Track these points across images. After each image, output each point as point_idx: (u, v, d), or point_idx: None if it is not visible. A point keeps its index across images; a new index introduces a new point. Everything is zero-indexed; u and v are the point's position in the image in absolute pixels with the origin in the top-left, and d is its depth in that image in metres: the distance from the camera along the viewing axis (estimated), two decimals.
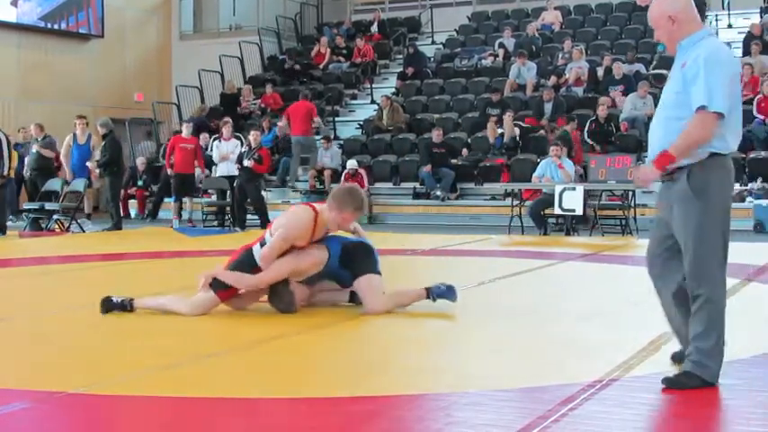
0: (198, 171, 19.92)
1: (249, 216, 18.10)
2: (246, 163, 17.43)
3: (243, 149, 18.31)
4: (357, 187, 7.51)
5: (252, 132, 18.23)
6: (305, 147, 21.88)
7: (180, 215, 19.45)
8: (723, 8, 25.46)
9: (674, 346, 5.95)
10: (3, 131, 16.56)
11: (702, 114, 4.72)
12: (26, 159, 19.56)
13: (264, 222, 17.81)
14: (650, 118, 19.49)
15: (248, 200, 17.83)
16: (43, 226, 17.73)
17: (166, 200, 20.59)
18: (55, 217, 17.70)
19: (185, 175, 19.38)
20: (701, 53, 4.82)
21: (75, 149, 18.01)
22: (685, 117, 4.78)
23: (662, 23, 5.01)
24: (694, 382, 4.76)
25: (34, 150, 19.39)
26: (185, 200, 19.71)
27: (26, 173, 19.49)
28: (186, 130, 19.72)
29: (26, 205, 18.35)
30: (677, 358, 5.19)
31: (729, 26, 24.58)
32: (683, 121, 4.79)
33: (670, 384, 4.79)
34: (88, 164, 17.84)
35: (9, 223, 17.32)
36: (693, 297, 4.82)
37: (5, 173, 16.15)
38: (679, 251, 4.89)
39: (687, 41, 4.96)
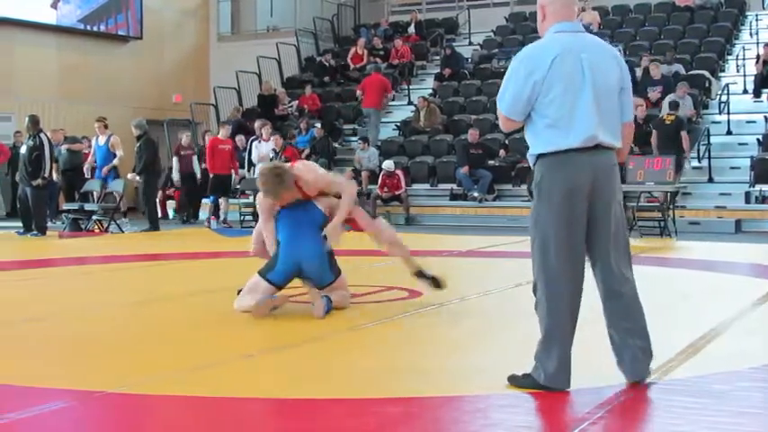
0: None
1: None
2: None
3: (271, 155, 18.47)
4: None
5: (273, 138, 18.35)
6: (375, 118, 23.42)
7: (218, 216, 19.51)
8: (763, 8, 25.24)
9: (716, 348, 5.92)
10: (46, 134, 16.71)
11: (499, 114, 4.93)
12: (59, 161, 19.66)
13: None
14: (690, 119, 19.54)
15: None
16: (82, 227, 17.85)
17: (203, 200, 20.68)
18: (94, 217, 17.82)
19: (222, 176, 19.46)
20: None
21: (97, 150, 18.15)
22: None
23: (538, 14, 4.95)
24: (527, 382, 4.76)
25: (64, 150, 19.55)
26: (221, 201, 19.77)
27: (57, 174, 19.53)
28: (224, 132, 19.81)
29: (65, 206, 18.48)
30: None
31: None
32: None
33: (511, 381, 4.84)
34: (129, 175, 18.01)
35: (48, 224, 17.48)
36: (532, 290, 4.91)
37: (47, 174, 16.29)
38: None
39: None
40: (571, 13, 4.86)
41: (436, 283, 7.73)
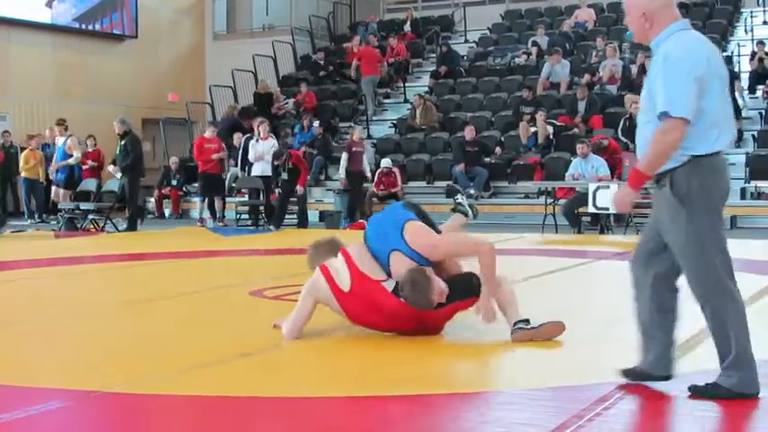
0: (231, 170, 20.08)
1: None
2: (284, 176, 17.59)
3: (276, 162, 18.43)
4: None
5: (273, 153, 18.22)
6: (374, 84, 24.75)
7: (215, 215, 19.51)
8: (758, 5, 25.25)
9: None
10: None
11: (666, 121, 4.45)
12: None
13: (303, 223, 17.84)
14: None
15: (291, 199, 17.90)
16: (78, 225, 17.85)
17: (194, 199, 20.68)
18: (90, 216, 17.81)
19: (211, 174, 19.43)
20: (662, 53, 4.56)
21: (57, 150, 18.21)
22: (655, 122, 4.54)
23: (635, 18, 4.71)
24: (720, 392, 4.58)
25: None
26: (216, 200, 19.75)
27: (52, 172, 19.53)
28: (210, 132, 19.76)
29: (61, 205, 18.48)
30: (630, 375, 4.89)
31: (765, 23, 24.39)
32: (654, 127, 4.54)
33: (696, 392, 4.65)
34: (110, 168, 18.05)
35: (43, 224, 17.62)
36: (701, 308, 4.66)
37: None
38: (666, 247, 4.70)
39: (657, 40, 4.65)
40: (677, 12, 4.70)
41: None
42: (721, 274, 4.56)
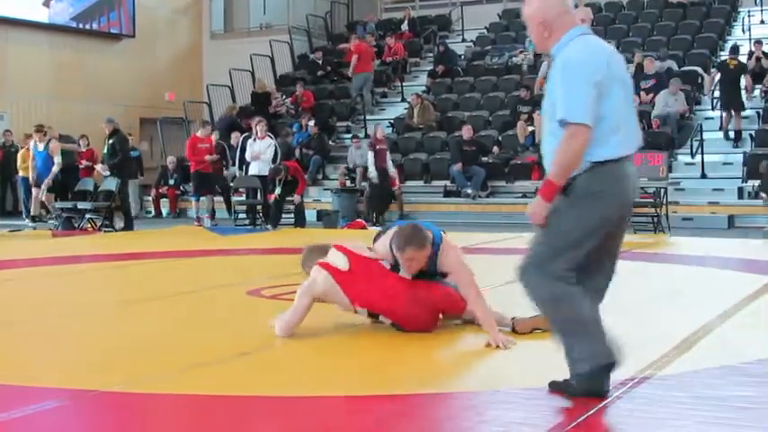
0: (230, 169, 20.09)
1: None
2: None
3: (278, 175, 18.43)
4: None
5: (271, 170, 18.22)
6: (369, 83, 24.62)
7: (214, 214, 19.51)
8: (756, 4, 25.26)
9: (709, 343, 5.94)
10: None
11: (568, 128, 4.37)
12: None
13: (300, 222, 17.82)
14: (682, 115, 19.67)
15: (287, 199, 17.93)
16: (75, 225, 17.84)
17: (192, 198, 20.65)
18: (87, 216, 17.81)
19: (204, 173, 19.42)
20: (561, 59, 4.50)
21: (36, 155, 18.14)
22: (558, 130, 4.45)
23: (533, 27, 4.65)
24: (570, 389, 4.58)
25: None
26: (204, 199, 19.72)
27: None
28: (203, 131, 19.73)
29: (58, 204, 18.46)
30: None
31: (762, 22, 24.40)
32: (558, 136, 4.44)
33: (554, 387, 4.67)
34: (98, 167, 18.02)
35: (41, 223, 17.62)
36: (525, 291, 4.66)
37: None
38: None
39: (557, 47, 4.57)
40: (576, 19, 4.69)
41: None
42: (564, 275, 4.50)
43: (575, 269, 4.52)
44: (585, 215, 4.44)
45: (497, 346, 5.79)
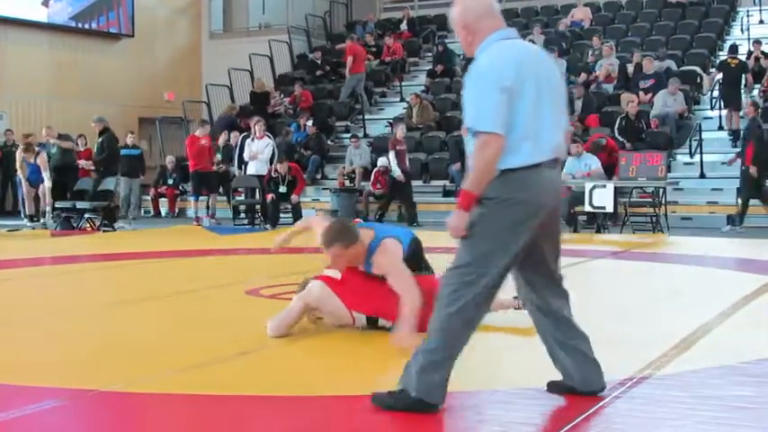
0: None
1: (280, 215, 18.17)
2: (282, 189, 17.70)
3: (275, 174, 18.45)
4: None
5: (279, 165, 18.28)
6: (361, 84, 24.66)
7: (214, 214, 19.51)
8: (755, 4, 25.28)
9: (709, 343, 5.94)
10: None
11: (479, 137, 4.22)
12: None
13: (298, 221, 17.83)
14: (681, 115, 19.69)
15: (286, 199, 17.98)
16: (74, 225, 17.83)
17: (191, 198, 20.65)
18: (86, 216, 17.80)
19: (204, 172, 19.42)
20: (472, 68, 4.36)
21: (27, 166, 18.13)
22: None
23: (458, 32, 4.53)
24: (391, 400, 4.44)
25: (54, 149, 19.50)
26: (203, 198, 19.71)
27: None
28: (201, 130, 19.71)
29: (57, 204, 18.45)
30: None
31: (761, 22, 24.40)
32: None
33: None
34: (82, 163, 18.00)
35: (36, 223, 17.64)
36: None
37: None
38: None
39: (478, 51, 4.43)
40: (502, 22, 4.54)
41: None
42: (468, 303, 4.34)
43: (494, 283, 4.38)
44: (497, 222, 4.29)
45: (400, 346, 5.52)
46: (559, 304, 4.62)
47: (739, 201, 16.42)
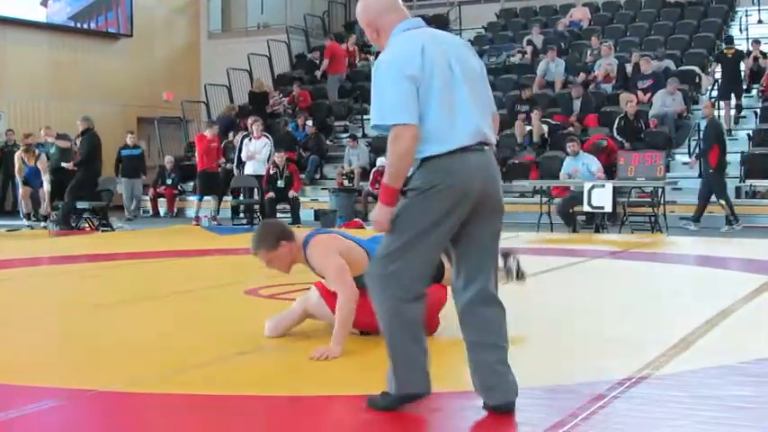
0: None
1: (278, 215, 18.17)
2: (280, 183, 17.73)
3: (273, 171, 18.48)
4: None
5: (279, 155, 18.36)
6: (340, 82, 25.18)
7: (214, 216, 19.53)
8: (753, 4, 25.29)
9: (707, 342, 5.93)
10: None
11: (391, 130, 4.13)
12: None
13: (296, 219, 17.86)
14: (680, 115, 19.69)
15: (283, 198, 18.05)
16: (73, 225, 17.83)
17: (190, 198, 20.66)
18: (85, 215, 17.80)
19: (211, 172, 19.44)
20: (376, 63, 4.30)
21: (27, 169, 18.13)
22: None
23: (364, 28, 4.50)
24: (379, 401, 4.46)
25: (53, 149, 19.49)
26: (208, 198, 19.72)
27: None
28: (210, 131, 19.75)
29: (56, 204, 18.45)
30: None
31: (760, 22, 24.42)
32: None
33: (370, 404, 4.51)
34: (64, 164, 18.01)
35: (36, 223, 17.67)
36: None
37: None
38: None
39: (385, 47, 4.39)
40: (406, 14, 4.45)
41: None
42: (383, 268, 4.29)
43: (424, 274, 4.36)
44: (421, 211, 4.22)
45: (320, 357, 5.57)
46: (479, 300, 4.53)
47: (721, 201, 16.42)
